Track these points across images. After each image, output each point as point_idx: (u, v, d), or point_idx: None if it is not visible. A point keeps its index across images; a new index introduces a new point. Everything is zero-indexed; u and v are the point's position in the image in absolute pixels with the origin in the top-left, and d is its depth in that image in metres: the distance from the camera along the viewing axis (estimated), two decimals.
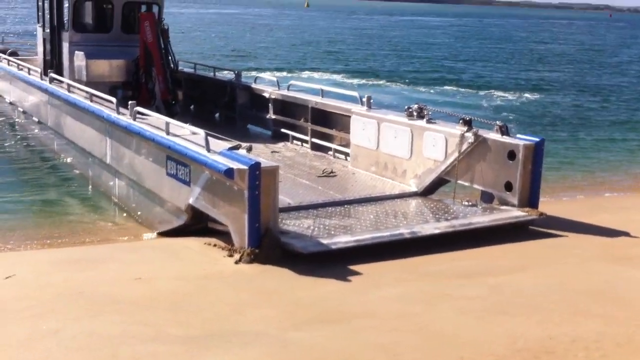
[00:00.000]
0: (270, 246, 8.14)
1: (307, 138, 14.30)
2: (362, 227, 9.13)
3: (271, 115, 15.41)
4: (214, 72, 18.03)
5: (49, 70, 15.92)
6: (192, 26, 72.71)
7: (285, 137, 14.92)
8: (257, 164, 8.09)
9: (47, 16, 17.14)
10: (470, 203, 10.29)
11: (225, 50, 46.74)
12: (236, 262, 8.06)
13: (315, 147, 14.05)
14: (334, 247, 8.34)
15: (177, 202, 9.56)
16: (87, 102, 12.62)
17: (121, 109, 11.41)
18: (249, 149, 8.81)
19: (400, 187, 11.35)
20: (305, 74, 34.76)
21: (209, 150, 8.81)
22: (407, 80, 34.21)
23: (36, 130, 16.94)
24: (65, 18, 16.13)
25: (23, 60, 18.98)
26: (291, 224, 9.15)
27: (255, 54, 45.54)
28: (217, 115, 17.61)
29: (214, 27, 75.28)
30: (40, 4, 17.69)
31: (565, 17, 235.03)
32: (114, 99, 11.74)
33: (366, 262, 8.18)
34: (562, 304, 6.96)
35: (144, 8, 16.51)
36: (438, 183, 11.12)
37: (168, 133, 9.80)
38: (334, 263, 8.08)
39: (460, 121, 10.56)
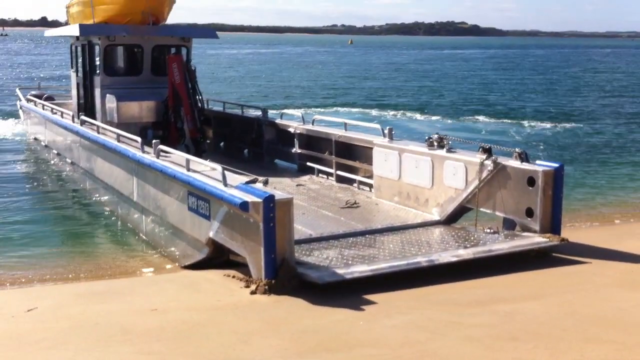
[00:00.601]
0: (286, 277, 8.23)
1: (331, 171, 14.40)
2: (382, 257, 9.14)
3: (297, 149, 15.58)
4: (242, 110, 18.32)
5: (80, 113, 16.32)
6: (230, 66, 74.04)
7: (311, 171, 15.05)
8: (271, 197, 8.21)
9: (80, 61, 17.68)
10: (492, 230, 10.25)
11: (258, 88, 47.38)
12: (252, 293, 8.15)
13: (340, 179, 14.13)
14: (348, 276, 8.37)
15: (199, 236, 9.73)
16: (115, 143, 12.92)
17: (146, 148, 11.68)
18: (265, 183, 8.94)
19: (422, 216, 11.36)
20: (337, 109, 34.90)
21: (226, 184, 8.97)
22: (438, 112, 34.14)
23: (69, 171, 17.37)
24: (97, 63, 16.61)
25: (58, 104, 19.51)
26: (311, 254, 9.23)
27: (288, 91, 45.90)
28: (245, 151, 17.86)
29: (249, 66, 76.46)
30: (73, 49, 18.28)
31: (611, 45, 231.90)
32: (139, 139, 12.01)
33: (382, 291, 8.20)
34: (572, 330, 6.87)
35: (172, 50, 16.92)
36: (460, 211, 11.11)
37: (188, 169, 10.02)
38: (349, 292, 8.11)
39: (480, 149, 10.58)
